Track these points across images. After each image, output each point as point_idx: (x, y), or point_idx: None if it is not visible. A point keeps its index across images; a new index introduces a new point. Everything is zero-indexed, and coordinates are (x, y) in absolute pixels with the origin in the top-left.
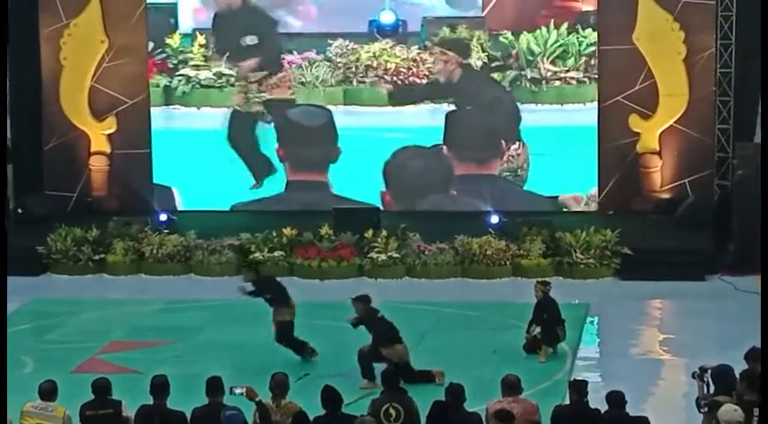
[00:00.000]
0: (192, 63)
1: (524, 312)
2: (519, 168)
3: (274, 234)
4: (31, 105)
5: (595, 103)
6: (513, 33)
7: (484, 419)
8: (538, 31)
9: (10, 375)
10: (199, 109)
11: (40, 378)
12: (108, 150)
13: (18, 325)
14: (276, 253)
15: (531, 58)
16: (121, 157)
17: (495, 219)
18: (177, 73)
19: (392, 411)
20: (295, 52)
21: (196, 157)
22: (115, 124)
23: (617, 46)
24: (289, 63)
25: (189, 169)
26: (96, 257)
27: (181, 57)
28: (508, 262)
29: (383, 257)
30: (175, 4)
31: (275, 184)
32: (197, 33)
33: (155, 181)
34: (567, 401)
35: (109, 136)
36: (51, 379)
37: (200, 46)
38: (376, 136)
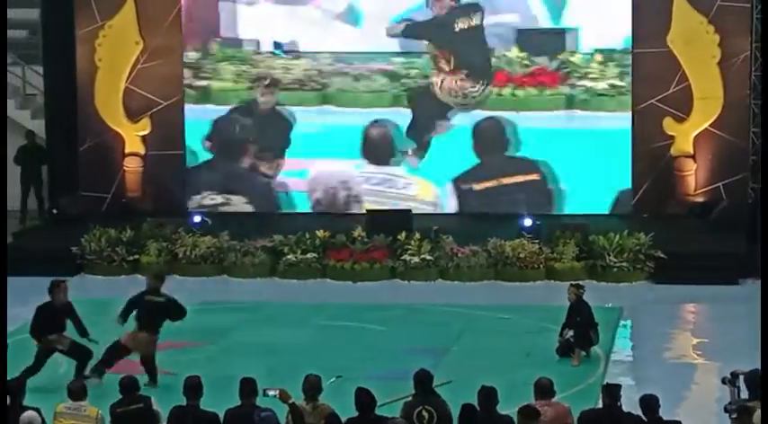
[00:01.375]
0: (591, 76)
1: (557, 315)
2: None
3: (307, 235)
4: (67, 106)
5: None
6: None
7: (515, 422)
8: None
9: (44, 376)
10: (595, 112)
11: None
12: (142, 151)
13: None
14: (309, 255)
15: None
16: (155, 158)
17: (528, 222)
18: (578, 84)
19: (425, 414)
20: None
21: (589, 158)
22: (149, 125)
23: (651, 49)
24: None
25: (584, 170)
26: (130, 258)
27: (582, 71)
28: (541, 265)
29: (416, 259)
30: (578, 28)
31: None
32: (597, 54)
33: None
34: (600, 405)
35: (143, 137)
36: (80, 379)
37: (599, 63)
38: None
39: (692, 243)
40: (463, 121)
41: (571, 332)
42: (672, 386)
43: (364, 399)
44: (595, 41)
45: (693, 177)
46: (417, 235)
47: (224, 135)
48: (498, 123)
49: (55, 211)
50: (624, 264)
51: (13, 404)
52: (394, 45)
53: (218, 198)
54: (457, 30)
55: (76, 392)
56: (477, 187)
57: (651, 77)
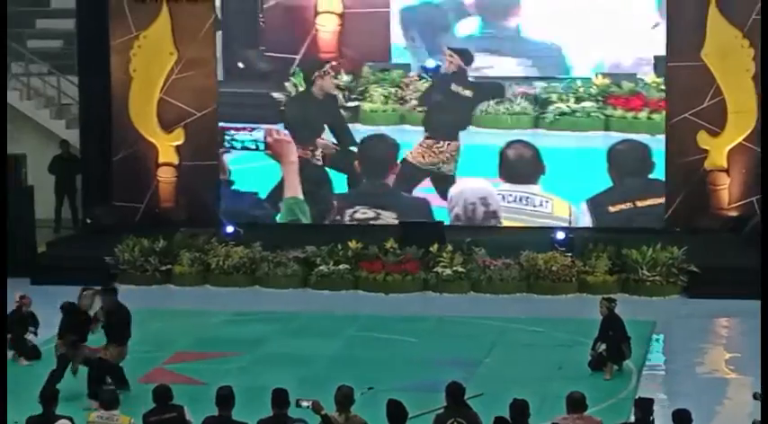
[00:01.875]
0: None
1: (590, 328)
2: None
3: (339, 246)
4: (101, 116)
5: None
6: None
7: None
8: None
9: (77, 385)
10: None
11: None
12: (176, 161)
13: None
14: (341, 266)
15: None
16: (189, 169)
17: (560, 235)
18: None
19: None
20: None
21: None
22: (183, 136)
23: (686, 62)
24: None
25: None
26: (163, 268)
27: None
28: (574, 279)
29: (448, 271)
30: None
31: None
32: None
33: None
34: (633, 419)
35: (177, 147)
36: (112, 388)
37: None
38: None
39: (726, 258)
40: (597, 143)
41: (604, 346)
42: (704, 401)
43: (396, 411)
44: None
45: (727, 191)
46: (450, 247)
47: (371, 153)
48: (637, 146)
49: (89, 221)
50: (657, 278)
51: (45, 413)
52: (534, 71)
53: (370, 213)
54: (451, 89)
55: (109, 401)
56: (612, 209)
57: (685, 91)
